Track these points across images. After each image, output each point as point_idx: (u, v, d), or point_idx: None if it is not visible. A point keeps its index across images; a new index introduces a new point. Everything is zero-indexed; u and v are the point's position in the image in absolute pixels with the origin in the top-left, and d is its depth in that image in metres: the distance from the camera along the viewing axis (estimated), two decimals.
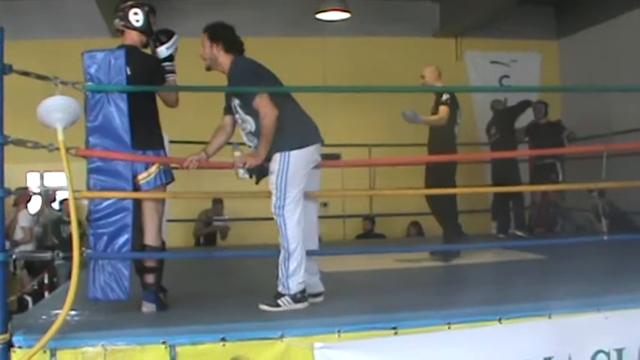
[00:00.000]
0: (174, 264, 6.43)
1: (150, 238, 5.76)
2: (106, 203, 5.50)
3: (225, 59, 5.84)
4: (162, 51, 5.92)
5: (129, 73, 5.56)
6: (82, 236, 5.41)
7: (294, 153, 5.62)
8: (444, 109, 8.89)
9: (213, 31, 5.89)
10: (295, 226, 5.60)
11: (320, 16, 12.63)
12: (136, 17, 5.76)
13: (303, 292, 5.65)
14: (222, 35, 5.87)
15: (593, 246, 8.38)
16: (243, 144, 5.97)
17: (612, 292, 5.82)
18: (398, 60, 14.62)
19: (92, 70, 5.50)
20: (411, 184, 11.61)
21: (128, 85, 5.51)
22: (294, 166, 5.61)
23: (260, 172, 5.80)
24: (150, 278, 5.71)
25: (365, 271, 8.10)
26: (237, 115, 5.91)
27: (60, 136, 4.86)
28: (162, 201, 5.93)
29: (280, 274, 5.63)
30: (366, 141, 12.66)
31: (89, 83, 5.48)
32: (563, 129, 12.36)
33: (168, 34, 5.98)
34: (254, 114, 5.71)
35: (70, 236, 11.94)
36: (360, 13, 13.41)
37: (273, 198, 5.64)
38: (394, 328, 5.12)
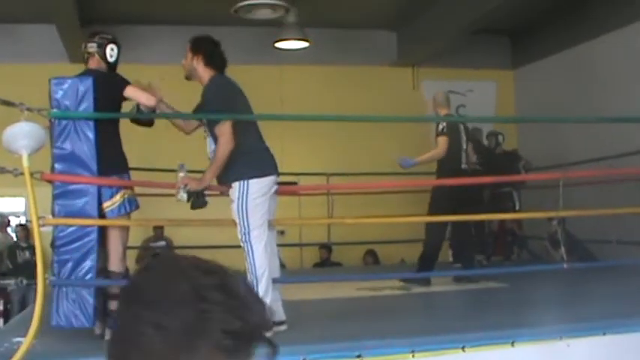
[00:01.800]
0: None
1: (114, 265, 5.80)
2: (71, 229, 5.49)
3: (204, 73, 5.88)
4: None
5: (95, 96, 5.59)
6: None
7: (252, 181, 5.64)
8: (441, 141, 8.94)
9: (196, 43, 5.96)
10: (263, 252, 5.63)
11: (279, 44, 12.67)
12: (112, 52, 6.04)
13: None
14: (204, 48, 5.92)
15: (551, 273, 8.48)
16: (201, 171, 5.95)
17: (573, 320, 5.90)
18: (355, 88, 14.71)
19: (59, 97, 5.51)
20: (368, 213, 11.68)
21: (94, 112, 5.51)
22: (253, 194, 5.62)
23: (198, 197, 5.77)
24: (114, 305, 5.64)
25: (327, 299, 8.08)
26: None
27: (25, 163, 4.85)
28: (126, 228, 5.96)
29: None
30: (324, 170, 12.67)
31: (55, 110, 5.46)
32: (519, 158, 12.47)
33: None
34: (214, 136, 5.75)
35: (25, 262, 11.90)
36: (318, 42, 13.44)
37: (238, 226, 5.66)
38: (359, 356, 5.11)
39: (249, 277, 5.63)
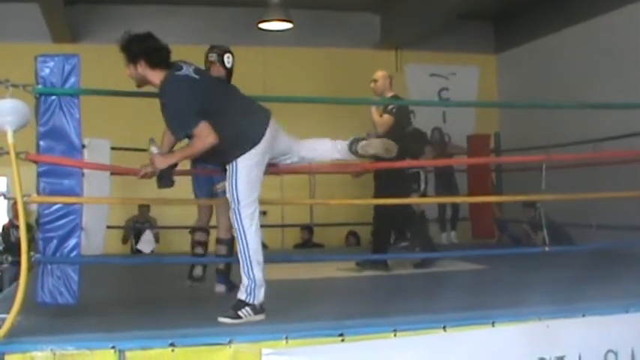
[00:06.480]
0: (123, 270, 6.41)
1: (222, 232, 7.04)
2: (56, 207, 5.50)
3: (154, 76, 5.38)
4: None
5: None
6: (32, 240, 5.38)
7: (240, 160, 5.38)
8: (386, 119, 8.82)
9: (130, 51, 5.36)
10: (255, 233, 5.41)
11: (262, 25, 12.65)
12: (228, 60, 7.14)
13: (262, 303, 5.49)
14: (142, 52, 5.33)
15: (531, 256, 8.55)
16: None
17: (553, 302, 5.94)
18: (338, 70, 14.77)
19: (45, 74, 5.50)
20: (349, 194, 11.71)
21: (79, 89, 5.53)
22: (242, 172, 5.37)
23: (162, 175, 5.56)
24: (221, 264, 7.05)
25: (309, 279, 8.12)
26: None
27: (10, 139, 4.84)
28: None
29: (246, 282, 5.43)
30: None
31: (40, 86, 5.47)
32: (425, 138, 12.32)
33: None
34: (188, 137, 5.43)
35: (18, 240, 11.96)
36: (301, 24, 13.43)
37: (231, 205, 5.43)
38: (341, 335, 5.14)
39: (240, 259, 5.44)
